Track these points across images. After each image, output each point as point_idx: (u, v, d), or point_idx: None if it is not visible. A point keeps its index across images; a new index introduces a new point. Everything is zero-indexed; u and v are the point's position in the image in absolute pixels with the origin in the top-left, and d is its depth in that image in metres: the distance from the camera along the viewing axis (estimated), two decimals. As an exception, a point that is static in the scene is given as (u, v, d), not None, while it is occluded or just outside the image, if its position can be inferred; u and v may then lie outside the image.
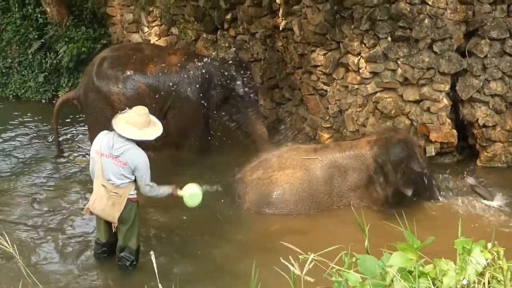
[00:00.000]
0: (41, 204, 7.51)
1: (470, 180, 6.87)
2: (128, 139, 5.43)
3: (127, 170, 5.42)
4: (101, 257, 5.95)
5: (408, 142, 6.85)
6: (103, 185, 5.45)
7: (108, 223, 5.65)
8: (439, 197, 6.92)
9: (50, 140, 9.86)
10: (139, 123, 5.46)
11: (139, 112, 5.54)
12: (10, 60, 13.33)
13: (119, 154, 5.38)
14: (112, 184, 5.44)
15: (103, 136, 5.55)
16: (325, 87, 8.74)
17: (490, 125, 7.81)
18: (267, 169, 7.01)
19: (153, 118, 5.74)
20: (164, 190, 5.74)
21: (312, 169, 6.86)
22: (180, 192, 5.80)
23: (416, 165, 6.70)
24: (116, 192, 5.45)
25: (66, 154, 9.23)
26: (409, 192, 6.60)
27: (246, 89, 8.39)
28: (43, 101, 12.56)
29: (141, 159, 5.46)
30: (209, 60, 8.57)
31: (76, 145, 9.76)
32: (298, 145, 7.48)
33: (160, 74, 8.17)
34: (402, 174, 6.64)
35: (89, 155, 6.01)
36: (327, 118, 8.84)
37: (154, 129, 5.62)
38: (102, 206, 5.48)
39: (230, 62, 8.54)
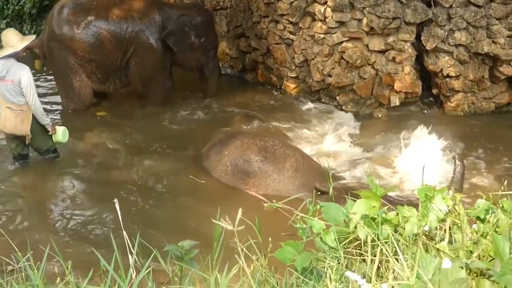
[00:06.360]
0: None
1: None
2: (8, 58, 5.96)
3: (17, 87, 5.96)
4: (20, 162, 6.56)
5: None
6: (7, 107, 6.07)
7: (19, 138, 6.32)
8: None
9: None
10: (10, 41, 6.00)
11: (6, 33, 6.15)
12: (-31, 6, 12.93)
13: (4, 74, 5.93)
14: (14, 103, 6.03)
15: None
16: (291, 37, 8.69)
17: (454, 75, 7.88)
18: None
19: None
20: (46, 118, 6.28)
21: None
22: (55, 130, 6.34)
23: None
24: (20, 109, 6.07)
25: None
26: None
27: (208, 38, 8.46)
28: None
29: (23, 72, 5.97)
30: (172, 7, 8.51)
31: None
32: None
33: (122, 20, 7.99)
34: None
35: None
36: (293, 68, 8.82)
37: (28, 37, 6.53)
38: (13, 124, 6.14)
39: (194, 9, 8.53)
